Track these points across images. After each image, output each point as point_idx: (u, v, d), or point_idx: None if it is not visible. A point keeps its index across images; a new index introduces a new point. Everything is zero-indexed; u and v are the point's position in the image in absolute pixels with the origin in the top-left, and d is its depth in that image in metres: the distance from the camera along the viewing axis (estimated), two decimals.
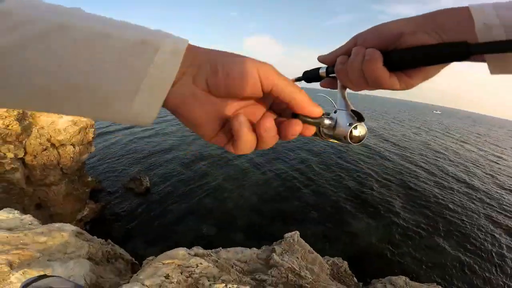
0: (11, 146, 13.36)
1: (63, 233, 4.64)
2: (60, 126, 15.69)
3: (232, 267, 5.65)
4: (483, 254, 18.03)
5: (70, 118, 16.82)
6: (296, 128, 0.52)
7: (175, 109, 0.51)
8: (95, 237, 5.69)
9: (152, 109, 0.46)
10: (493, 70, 0.50)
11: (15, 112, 14.02)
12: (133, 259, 6.37)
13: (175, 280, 4.08)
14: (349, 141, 0.59)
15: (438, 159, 41.22)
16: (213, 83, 0.49)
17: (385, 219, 20.69)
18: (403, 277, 6.71)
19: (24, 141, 14.19)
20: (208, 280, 4.32)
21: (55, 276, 2.84)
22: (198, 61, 0.49)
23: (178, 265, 4.53)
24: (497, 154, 53.67)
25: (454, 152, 49.68)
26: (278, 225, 18.69)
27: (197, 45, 0.50)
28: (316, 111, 0.53)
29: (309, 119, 0.52)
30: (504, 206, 25.99)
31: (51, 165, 14.77)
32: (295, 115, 0.52)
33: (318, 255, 7.13)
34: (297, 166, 30.86)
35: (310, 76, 0.75)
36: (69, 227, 4.99)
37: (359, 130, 0.59)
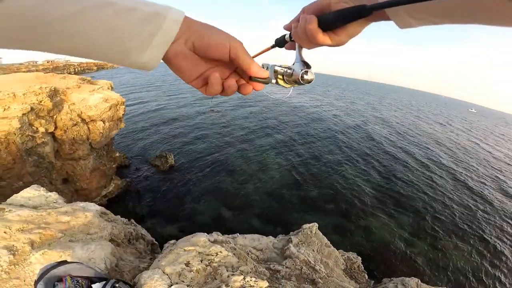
0: (43, 121, 13.50)
1: (87, 213, 4.52)
2: (91, 103, 15.78)
3: (248, 254, 5.48)
4: (499, 263, 17.34)
5: (101, 95, 16.89)
6: (248, 89, 0.79)
7: (169, 60, 0.69)
8: (118, 216, 5.60)
9: (156, 59, 0.65)
10: (400, 25, 0.63)
11: (47, 89, 14.13)
12: (154, 239, 6.28)
13: (195, 268, 3.92)
14: (301, 82, 0.80)
15: (476, 165, 39.37)
16: (198, 46, 0.68)
17: (404, 217, 20.16)
18: (416, 279, 6.42)
19: (55, 116, 14.32)
20: (227, 270, 4.14)
21: (76, 262, 2.68)
22: (191, 29, 0.67)
23: (199, 252, 4.38)
24: None
25: (491, 156, 47.58)
26: (295, 213, 18.53)
27: (191, 17, 0.68)
28: (263, 74, 0.74)
29: (260, 79, 0.76)
30: None
31: (80, 140, 14.89)
32: (250, 77, 0.76)
33: (335, 249, 6.90)
34: (321, 155, 30.48)
35: (279, 41, 0.94)
36: (94, 207, 4.87)
37: (308, 74, 0.79)
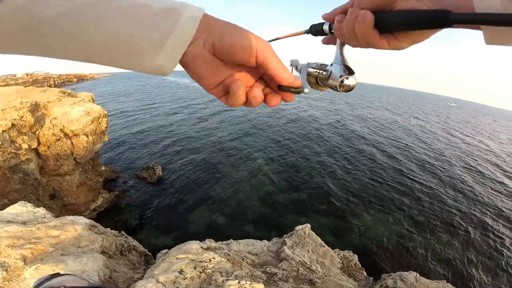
0: (25, 137, 13.43)
1: (76, 226, 4.58)
2: (73, 117, 15.71)
3: (243, 259, 5.56)
4: (494, 253, 17.73)
5: (83, 108, 16.85)
6: (277, 100, 0.69)
7: (186, 64, 0.62)
8: (108, 229, 5.64)
9: (171, 62, 0.58)
10: (488, 40, 0.49)
11: (28, 104, 14.06)
12: (146, 250, 6.33)
13: (189, 275, 4.00)
14: (339, 90, 0.71)
15: (458, 159, 40.41)
16: (219, 48, 0.61)
17: (396, 213, 20.52)
18: (414, 273, 6.55)
19: (37, 132, 14.25)
20: (221, 276, 4.23)
21: (68, 274, 2.76)
22: (211, 28, 0.60)
23: (192, 259, 4.46)
24: None
25: (469, 147, 48.94)
26: (288, 216, 18.67)
27: (211, 15, 0.61)
28: (295, 83, 0.65)
29: (291, 89, 0.66)
30: None
31: (64, 155, 14.82)
32: (280, 86, 0.67)
33: (329, 249, 7.02)
34: (308, 158, 30.73)
35: (315, 30, 0.82)
36: (82, 220, 4.93)
37: (348, 82, 0.70)
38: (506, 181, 31.69)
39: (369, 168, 29.15)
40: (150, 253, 6.33)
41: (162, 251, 5.31)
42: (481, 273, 15.77)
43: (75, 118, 15.70)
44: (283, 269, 5.46)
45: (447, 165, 34.85)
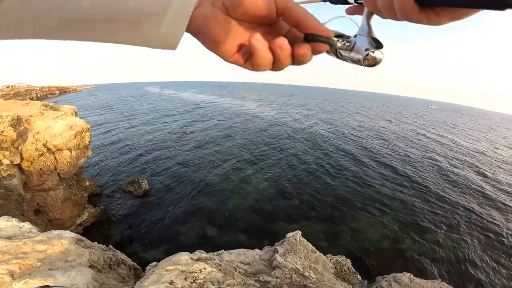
0: (7, 153, 13.20)
1: (63, 240, 4.53)
2: (56, 131, 15.53)
3: (236, 269, 5.55)
4: (485, 249, 18.05)
5: (65, 122, 16.66)
6: (306, 49, 0.60)
7: (198, 30, 0.58)
8: (95, 243, 5.58)
9: (177, 31, 0.54)
10: None
11: (9, 118, 13.86)
12: (135, 264, 6.26)
13: (180, 286, 3.99)
14: (362, 63, 0.65)
15: (435, 157, 41.49)
16: (230, 3, 0.56)
17: (386, 215, 20.74)
18: (408, 274, 6.61)
19: (20, 147, 14.04)
20: (213, 285, 4.23)
21: (58, 286, 2.74)
22: None
23: (182, 271, 4.44)
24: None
25: (452, 145, 50.10)
26: (279, 224, 18.67)
27: None
28: (326, 30, 0.59)
29: (321, 38, 0.59)
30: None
31: (48, 171, 14.60)
32: (307, 36, 0.60)
33: (321, 254, 7.06)
34: (295, 165, 30.86)
35: None
36: (69, 234, 4.88)
37: (375, 55, 0.63)
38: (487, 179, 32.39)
39: (356, 173, 29.51)
40: (139, 267, 6.27)
41: (151, 264, 5.28)
42: (475, 270, 16.01)
43: (58, 132, 15.52)
44: (276, 277, 5.47)
45: (430, 165, 35.61)
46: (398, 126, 71.09)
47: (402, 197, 24.27)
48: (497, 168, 37.99)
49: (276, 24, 0.63)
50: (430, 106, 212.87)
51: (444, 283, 6.55)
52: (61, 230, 4.93)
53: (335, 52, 0.70)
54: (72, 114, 18.53)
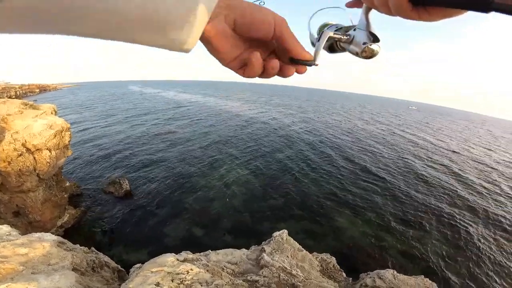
0: None
1: (44, 243, 4.42)
2: (35, 130, 15.12)
3: (223, 269, 5.54)
4: (465, 244, 18.54)
5: (45, 121, 16.24)
6: (291, 71, 0.78)
7: (209, 39, 0.69)
8: (77, 245, 5.47)
9: (193, 37, 0.64)
10: None
11: None
12: (119, 266, 6.17)
13: (167, 287, 3.94)
14: (360, 55, 0.73)
15: (414, 156, 42.49)
16: (240, 23, 0.69)
17: (369, 212, 21.03)
18: (391, 270, 6.73)
19: None
20: (201, 286, 4.20)
21: None
22: (232, 5, 0.67)
23: (168, 272, 4.39)
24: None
25: (432, 146, 51.39)
26: (265, 223, 18.70)
27: None
28: (307, 56, 0.74)
29: (303, 62, 0.74)
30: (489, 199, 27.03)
31: (27, 171, 14.22)
32: (293, 59, 0.74)
33: (308, 253, 7.11)
34: (280, 164, 30.95)
35: None
36: (50, 237, 4.76)
37: (372, 49, 0.71)
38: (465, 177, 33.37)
39: (339, 172, 29.81)
40: (123, 269, 6.18)
41: (135, 266, 5.21)
42: (456, 265, 16.39)
43: (38, 132, 15.11)
44: (264, 276, 5.47)
45: (410, 163, 36.34)
46: (373, 125, 72.23)
47: (385, 194, 24.67)
48: (468, 166, 39.30)
49: (268, 42, 0.77)
50: (410, 107, 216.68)
51: (428, 279, 6.70)
52: (42, 233, 4.81)
53: (336, 46, 0.82)
54: (52, 113, 18.07)
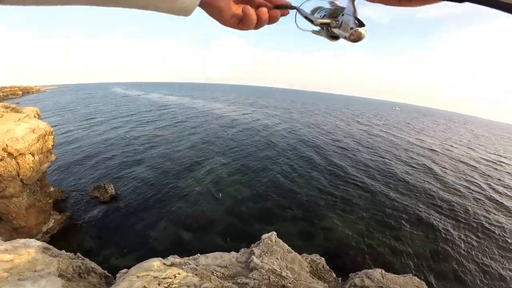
0: None
1: (29, 249, 4.34)
2: (17, 134, 14.80)
3: (213, 273, 5.51)
4: (452, 242, 18.84)
5: (28, 125, 15.90)
6: (277, 13, 0.94)
7: (210, 2, 0.83)
8: (63, 251, 5.38)
9: (194, 1, 0.76)
10: None
11: None
12: (106, 272, 6.09)
13: None
14: (348, 39, 0.80)
15: (395, 156, 43.04)
16: None
17: (355, 213, 21.19)
18: (379, 270, 6.78)
19: None
20: None
21: None
22: None
23: (154, 277, 4.35)
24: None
25: (417, 144, 52.22)
26: (254, 225, 18.63)
27: None
28: (286, 2, 0.95)
29: (285, 6, 0.93)
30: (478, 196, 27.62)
31: (9, 177, 13.91)
32: (277, 6, 0.93)
33: (297, 254, 7.13)
34: (268, 167, 30.88)
35: None
36: (35, 243, 4.68)
37: (359, 32, 0.77)
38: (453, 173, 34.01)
39: (327, 174, 29.95)
40: (110, 275, 6.10)
41: (121, 271, 5.14)
42: (442, 263, 16.65)
43: (20, 136, 14.80)
44: (254, 279, 5.47)
45: (394, 163, 36.84)
46: (368, 126, 72.91)
47: (371, 196, 24.91)
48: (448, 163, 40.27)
49: None
50: (394, 108, 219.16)
51: (416, 278, 6.78)
52: (27, 239, 4.72)
53: (326, 29, 0.92)
54: (34, 116, 17.76)
